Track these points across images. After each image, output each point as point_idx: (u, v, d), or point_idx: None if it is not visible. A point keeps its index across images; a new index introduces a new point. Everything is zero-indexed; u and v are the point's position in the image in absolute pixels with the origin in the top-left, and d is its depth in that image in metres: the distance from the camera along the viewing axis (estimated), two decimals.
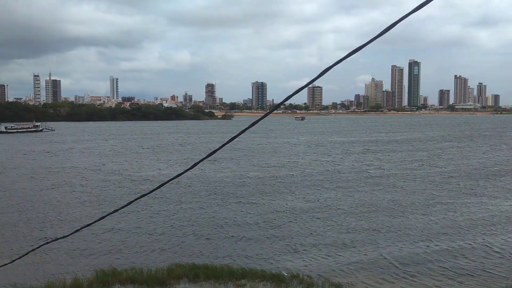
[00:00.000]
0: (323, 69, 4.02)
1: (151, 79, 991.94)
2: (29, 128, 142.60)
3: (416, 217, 29.56)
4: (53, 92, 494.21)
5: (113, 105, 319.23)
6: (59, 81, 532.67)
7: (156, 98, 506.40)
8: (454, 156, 67.63)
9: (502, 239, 24.77)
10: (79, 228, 5.72)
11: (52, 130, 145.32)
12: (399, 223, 28.11)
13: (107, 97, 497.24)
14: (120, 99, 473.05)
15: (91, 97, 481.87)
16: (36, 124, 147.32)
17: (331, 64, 4.05)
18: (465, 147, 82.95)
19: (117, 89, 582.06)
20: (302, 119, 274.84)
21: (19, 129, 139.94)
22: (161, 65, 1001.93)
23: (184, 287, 17.93)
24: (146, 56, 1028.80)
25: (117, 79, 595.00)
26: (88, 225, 5.63)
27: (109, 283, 18.05)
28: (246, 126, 4.08)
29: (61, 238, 6.81)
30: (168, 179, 4.64)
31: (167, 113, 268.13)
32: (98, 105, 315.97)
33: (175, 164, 58.84)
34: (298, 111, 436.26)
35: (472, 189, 39.64)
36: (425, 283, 18.64)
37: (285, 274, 19.25)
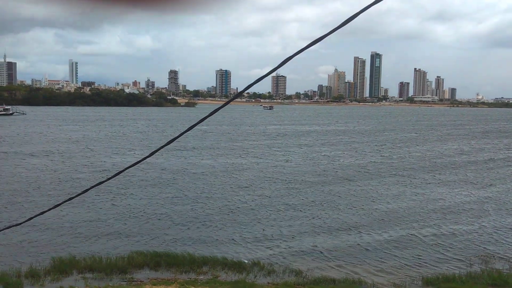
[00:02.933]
0: (285, 57, 4.05)
1: (111, 63, 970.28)
2: None
3: (368, 208, 30.38)
4: (8, 75, 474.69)
5: (72, 90, 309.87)
6: (15, 63, 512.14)
7: (117, 84, 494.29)
8: (400, 147, 69.62)
9: (437, 229, 25.78)
10: (33, 216, 5.57)
11: (23, 113, 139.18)
12: (349, 216, 28.79)
13: (65, 81, 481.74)
14: (79, 84, 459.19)
15: (48, 80, 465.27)
16: (6, 107, 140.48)
17: (293, 53, 4.08)
18: (416, 139, 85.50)
19: (76, 73, 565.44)
20: (270, 108, 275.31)
21: None
22: (122, 49, 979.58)
23: (145, 275, 17.84)
24: (106, 40, 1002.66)
25: (76, 63, 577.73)
26: (42, 213, 5.49)
27: (67, 272, 17.76)
28: (208, 114, 4.05)
29: (14, 225, 6.61)
30: (126, 167, 4.57)
31: (128, 99, 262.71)
32: (56, 89, 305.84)
33: (137, 152, 57.97)
34: (262, 100, 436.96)
35: (414, 180, 41.02)
36: (376, 269, 19.22)
37: (246, 262, 19.44)
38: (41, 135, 78.36)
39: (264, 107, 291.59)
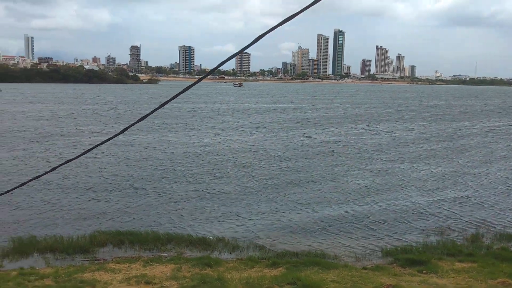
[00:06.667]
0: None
1: (69, 39, 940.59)
2: None
3: (329, 185, 30.99)
4: None
5: (29, 66, 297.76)
6: None
7: (76, 60, 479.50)
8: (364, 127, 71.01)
9: (395, 203, 26.67)
10: None
11: None
12: (314, 191, 29.32)
13: (21, 57, 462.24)
14: (36, 60, 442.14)
15: (3, 56, 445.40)
16: None
17: (263, 33, 4.10)
18: (385, 118, 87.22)
19: (32, 48, 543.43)
20: (239, 86, 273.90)
21: None
22: (79, 24, 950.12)
23: (108, 253, 17.70)
24: (62, 14, 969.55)
25: (32, 37, 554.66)
26: (7, 191, 5.36)
27: (27, 252, 17.41)
28: (178, 92, 4.02)
29: None
30: (95, 145, 4.50)
31: (88, 76, 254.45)
32: (11, 66, 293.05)
33: (107, 129, 56.77)
34: (226, 77, 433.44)
35: (375, 157, 42.10)
36: (338, 242, 19.75)
37: (211, 238, 19.57)
38: (18, 112, 75.39)
39: (234, 84, 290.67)
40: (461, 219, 23.29)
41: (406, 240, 19.96)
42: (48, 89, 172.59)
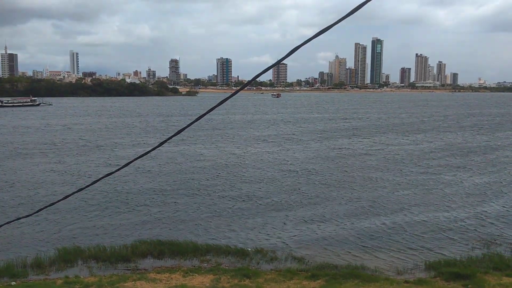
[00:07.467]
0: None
1: (111, 53, 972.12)
2: (26, 102, 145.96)
3: (365, 197, 30.49)
4: (9, 66, 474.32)
5: (74, 81, 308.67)
6: (16, 54, 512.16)
7: (118, 74, 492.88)
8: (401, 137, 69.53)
9: (438, 214, 25.89)
10: (42, 207, 5.66)
11: (49, 104, 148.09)
12: (352, 203, 28.91)
13: (67, 72, 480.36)
14: (80, 74, 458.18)
15: (50, 72, 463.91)
16: (33, 98, 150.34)
17: (300, 43, 4.12)
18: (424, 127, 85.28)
19: (77, 63, 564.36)
20: (277, 96, 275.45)
21: (15, 103, 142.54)
22: (121, 39, 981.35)
23: (149, 263, 18.02)
24: (105, 30, 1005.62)
25: (77, 53, 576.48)
26: (51, 204, 5.58)
27: (72, 261, 17.96)
28: (215, 104, 4.10)
29: (23, 217, 6.72)
30: (133, 158, 4.64)
31: (130, 89, 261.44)
32: (58, 80, 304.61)
33: (145, 141, 58.07)
34: (263, 88, 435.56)
35: (414, 168, 41.08)
36: (378, 255, 19.36)
37: (249, 249, 19.59)
38: (59, 126, 78.49)
39: (272, 95, 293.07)
40: (508, 233, 22.40)
41: (449, 254, 19.35)
42: (90, 102, 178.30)
